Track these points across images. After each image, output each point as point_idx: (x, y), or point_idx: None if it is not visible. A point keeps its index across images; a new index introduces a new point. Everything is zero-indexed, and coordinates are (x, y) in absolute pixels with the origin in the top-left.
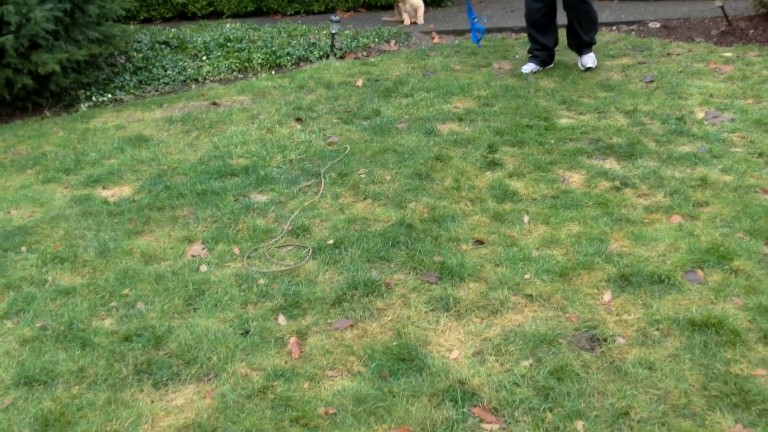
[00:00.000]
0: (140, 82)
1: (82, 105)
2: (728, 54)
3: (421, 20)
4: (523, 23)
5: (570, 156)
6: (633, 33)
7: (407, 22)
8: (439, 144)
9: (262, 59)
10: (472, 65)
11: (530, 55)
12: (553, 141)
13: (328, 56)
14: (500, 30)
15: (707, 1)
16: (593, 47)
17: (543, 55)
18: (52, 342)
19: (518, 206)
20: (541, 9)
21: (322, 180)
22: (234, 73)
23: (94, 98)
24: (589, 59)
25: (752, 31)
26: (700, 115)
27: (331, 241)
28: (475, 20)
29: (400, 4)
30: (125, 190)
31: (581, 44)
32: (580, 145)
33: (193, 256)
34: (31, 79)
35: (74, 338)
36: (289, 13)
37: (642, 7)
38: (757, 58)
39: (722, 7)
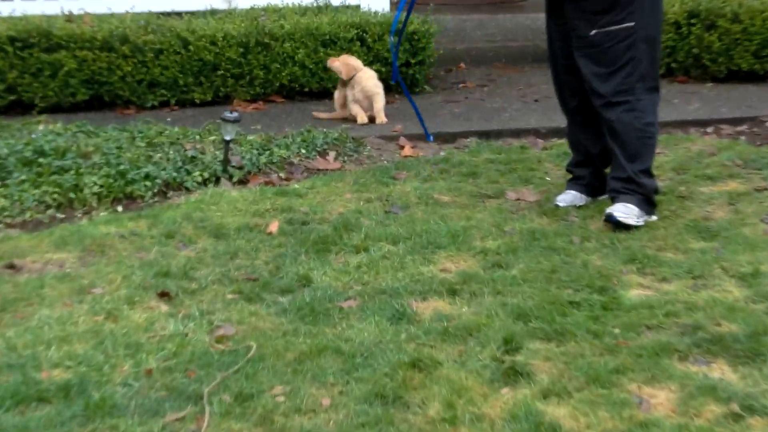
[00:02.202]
0: None
1: None
2: None
3: (381, 117)
4: (556, 122)
5: (649, 357)
6: (742, 138)
7: (360, 119)
8: (416, 338)
9: (102, 186)
10: (471, 195)
11: (570, 176)
12: (617, 330)
13: (218, 180)
14: (517, 133)
15: None
16: (645, 190)
17: (588, 174)
18: None
19: None
20: (573, 90)
21: (206, 408)
22: (50, 211)
23: None
24: (622, 210)
25: None
26: None
27: None
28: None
29: (343, 88)
30: None
31: (614, 179)
32: (664, 338)
33: None
34: None
35: None
36: (149, 105)
37: (754, 93)
38: None
39: None
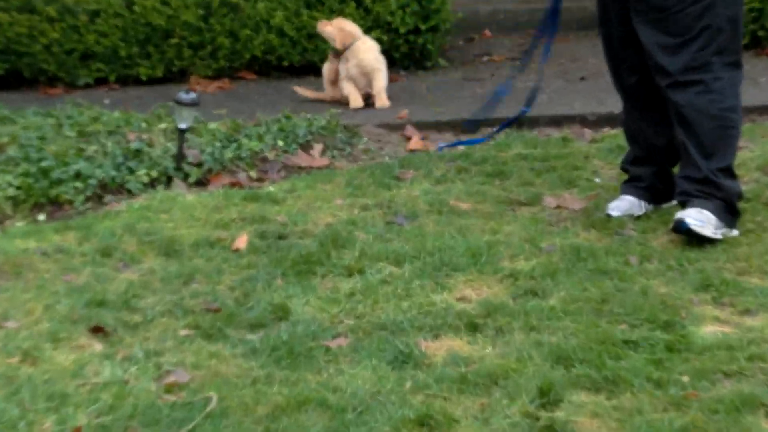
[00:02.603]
0: None
1: None
2: None
3: (382, 99)
4: (608, 107)
5: (726, 413)
6: None
7: (353, 102)
8: (425, 387)
9: (18, 188)
10: (498, 201)
11: (626, 176)
12: (685, 378)
13: (170, 180)
14: (557, 121)
15: None
16: (726, 194)
17: (650, 174)
18: None
19: None
20: (632, 66)
21: None
22: None
23: None
24: (695, 217)
25: None
26: None
27: None
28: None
29: (334, 61)
30: None
31: (685, 179)
32: (747, 388)
33: None
34: None
35: None
36: (81, 82)
37: None
38: None
39: None
